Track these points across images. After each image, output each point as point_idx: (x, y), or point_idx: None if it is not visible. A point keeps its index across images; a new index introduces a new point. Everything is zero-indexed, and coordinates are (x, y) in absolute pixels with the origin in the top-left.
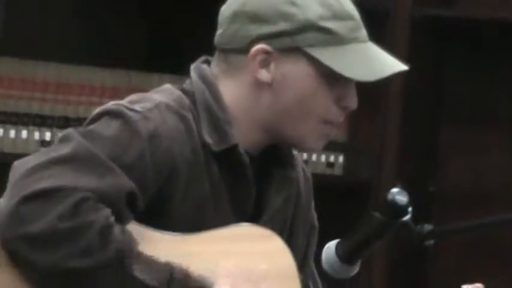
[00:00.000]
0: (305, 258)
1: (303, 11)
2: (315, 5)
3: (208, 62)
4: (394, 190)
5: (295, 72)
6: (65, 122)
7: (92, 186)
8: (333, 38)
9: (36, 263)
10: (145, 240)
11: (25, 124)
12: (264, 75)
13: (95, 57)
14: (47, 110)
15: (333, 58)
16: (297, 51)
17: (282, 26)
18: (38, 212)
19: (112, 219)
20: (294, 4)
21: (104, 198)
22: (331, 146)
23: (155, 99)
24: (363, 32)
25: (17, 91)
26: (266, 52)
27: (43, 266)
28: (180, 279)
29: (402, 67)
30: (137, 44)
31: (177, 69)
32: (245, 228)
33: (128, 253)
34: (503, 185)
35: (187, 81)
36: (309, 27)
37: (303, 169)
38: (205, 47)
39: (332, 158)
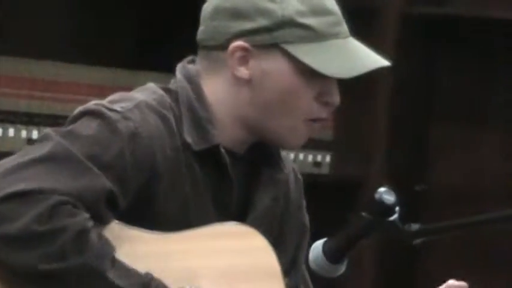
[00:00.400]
0: (295, 260)
1: (282, 7)
2: (293, 1)
3: (194, 62)
4: (382, 189)
5: (274, 69)
6: (52, 120)
7: (70, 187)
8: (311, 34)
9: (11, 264)
10: (125, 239)
11: (12, 122)
12: (242, 72)
13: (82, 55)
14: (34, 108)
15: (311, 54)
16: (275, 47)
17: (261, 22)
18: (13, 213)
19: (90, 223)
20: (272, 0)
21: (81, 199)
22: (318, 145)
23: (136, 98)
24: (344, 28)
25: (3, 89)
26: (245, 49)
27: (15, 266)
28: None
29: (383, 63)
30: (124, 42)
31: (164, 67)
32: (227, 227)
33: (103, 257)
34: (493, 184)
35: (172, 81)
36: (288, 23)
37: (294, 170)
38: (192, 45)
39: (319, 157)
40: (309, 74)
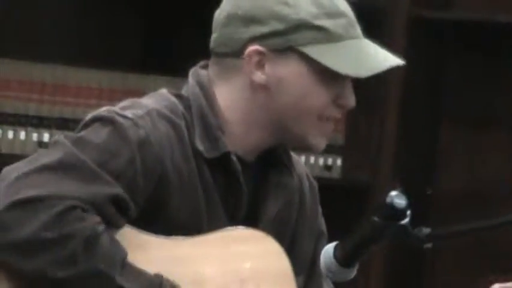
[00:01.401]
0: (313, 265)
1: (296, 11)
2: (307, 5)
3: (207, 67)
4: (393, 193)
5: (290, 72)
6: (63, 123)
7: (79, 193)
8: (326, 36)
9: (19, 269)
10: (137, 243)
11: (23, 125)
12: (259, 76)
13: (91, 59)
14: (44, 111)
15: (326, 55)
16: (291, 50)
17: (275, 26)
18: (23, 219)
19: (101, 227)
20: (286, 4)
21: (91, 205)
22: (328, 149)
23: (147, 105)
24: (357, 29)
25: (15, 92)
26: (260, 53)
27: (26, 272)
28: None
29: (397, 61)
30: (133, 46)
31: (172, 71)
32: (238, 231)
33: (113, 263)
34: (503, 187)
35: (185, 86)
36: (302, 26)
37: (308, 176)
38: (201, 49)
39: (330, 161)
40: (324, 75)
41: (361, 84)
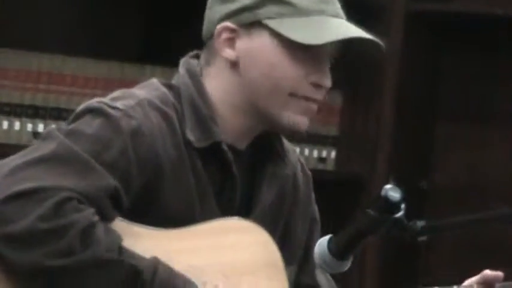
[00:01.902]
0: (307, 252)
1: None
2: None
3: (198, 57)
4: (387, 186)
5: (259, 46)
6: (58, 113)
7: (74, 185)
8: (292, 10)
9: (17, 262)
10: (130, 236)
11: (18, 115)
12: (229, 53)
13: (88, 48)
14: (40, 101)
15: (290, 28)
16: (259, 25)
17: (244, 2)
18: (19, 212)
19: (95, 218)
20: None
21: (86, 197)
22: (323, 141)
23: (138, 95)
24: (332, 7)
25: (9, 82)
26: (231, 29)
27: (23, 265)
28: (164, 271)
29: (361, 33)
30: (131, 36)
31: (170, 61)
32: (230, 222)
33: (110, 251)
34: (497, 181)
35: (176, 76)
36: (268, 0)
37: (302, 165)
38: (198, 40)
39: (324, 153)
40: (293, 49)
41: (357, 77)
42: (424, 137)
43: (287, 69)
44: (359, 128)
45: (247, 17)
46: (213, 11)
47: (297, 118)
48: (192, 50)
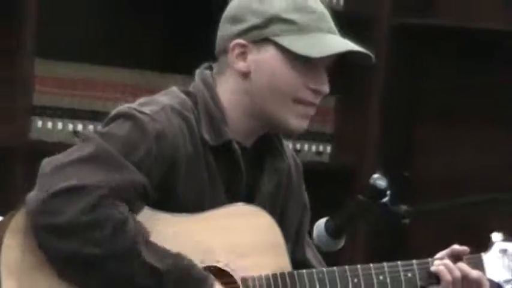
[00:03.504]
0: (299, 232)
1: (269, 6)
2: (278, 1)
3: (210, 68)
4: (375, 176)
5: (267, 59)
6: (93, 115)
7: (110, 182)
8: (295, 28)
9: (57, 249)
10: (155, 221)
11: (60, 117)
12: (241, 65)
13: (117, 59)
14: (77, 104)
15: (293, 43)
16: (267, 41)
17: (253, 21)
18: (64, 206)
19: (127, 213)
20: (261, 2)
21: (120, 191)
22: (319, 137)
23: (162, 102)
24: (327, 25)
25: (52, 89)
26: (242, 45)
27: (63, 252)
28: (185, 266)
29: (355, 47)
30: (154, 48)
31: (189, 70)
32: (238, 207)
33: (139, 242)
34: (467, 173)
35: (192, 84)
36: (274, 19)
37: (294, 157)
38: (213, 52)
39: (321, 148)
40: (296, 61)
41: (348, 83)
42: (406, 133)
43: (290, 78)
44: (350, 127)
45: (256, 34)
46: (225, 30)
47: (298, 121)
48: (207, 61)
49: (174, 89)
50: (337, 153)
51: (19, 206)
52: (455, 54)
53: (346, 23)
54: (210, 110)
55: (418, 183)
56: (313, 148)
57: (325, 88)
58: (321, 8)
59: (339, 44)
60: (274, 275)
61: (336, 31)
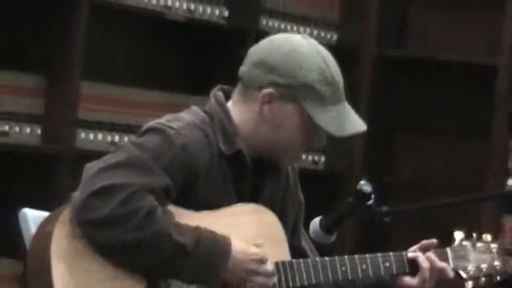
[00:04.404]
0: (295, 227)
1: (306, 74)
2: (315, 72)
3: (222, 90)
4: (362, 182)
5: (287, 114)
6: (127, 128)
7: (140, 182)
8: (320, 97)
9: (101, 240)
10: (178, 216)
11: (100, 129)
12: (265, 110)
13: (146, 81)
14: (115, 119)
15: (318, 114)
16: (294, 101)
17: (289, 81)
18: (102, 202)
19: (156, 203)
20: (301, 68)
21: (148, 190)
22: (315, 148)
23: (186, 119)
24: (343, 95)
25: (93, 106)
26: (272, 95)
27: (104, 242)
28: (207, 236)
29: (363, 127)
30: (178, 73)
31: (205, 92)
32: (246, 206)
33: (168, 224)
34: (439, 178)
35: (208, 104)
36: (306, 86)
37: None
38: (226, 77)
39: (316, 158)
40: (309, 125)
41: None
42: (387, 146)
43: (298, 138)
44: (340, 140)
45: (288, 93)
46: (262, 75)
47: (289, 163)
48: (223, 83)
49: (195, 107)
50: (329, 162)
51: (65, 202)
52: (427, 79)
53: (336, 54)
54: (224, 125)
55: (397, 188)
56: (310, 158)
57: (320, 145)
58: (341, 79)
59: (353, 124)
60: (276, 263)
61: (344, 98)
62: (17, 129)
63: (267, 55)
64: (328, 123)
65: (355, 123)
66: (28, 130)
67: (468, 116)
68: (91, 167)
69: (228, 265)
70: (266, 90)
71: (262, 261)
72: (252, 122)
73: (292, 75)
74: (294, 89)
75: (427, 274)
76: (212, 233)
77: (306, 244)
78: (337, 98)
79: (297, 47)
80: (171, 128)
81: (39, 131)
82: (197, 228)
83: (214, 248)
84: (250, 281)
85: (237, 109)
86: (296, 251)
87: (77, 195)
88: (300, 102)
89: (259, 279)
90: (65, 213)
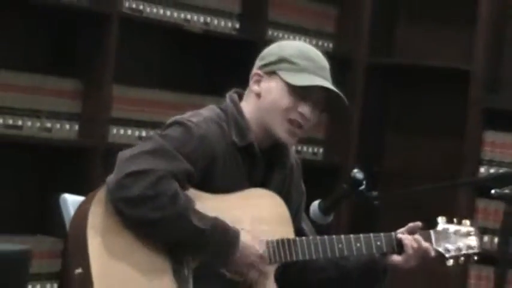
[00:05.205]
0: (297, 213)
1: (283, 50)
2: (292, 49)
3: (237, 92)
4: (355, 170)
5: (273, 87)
6: (154, 125)
7: (167, 168)
8: (296, 68)
9: (132, 215)
10: (198, 198)
11: (129, 126)
12: (256, 88)
13: (171, 85)
14: (140, 117)
15: (290, 77)
16: (275, 74)
17: (270, 59)
18: (134, 183)
19: (179, 188)
20: (280, 47)
21: (174, 175)
22: (314, 142)
23: (204, 114)
24: (322, 73)
25: (123, 105)
26: (259, 75)
27: (134, 217)
28: (221, 225)
29: (330, 86)
30: (198, 77)
31: (219, 93)
32: (256, 191)
33: (188, 209)
34: (423, 170)
35: (224, 103)
36: (284, 60)
37: (295, 158)
38: (237, 80)
39: (315, 150)
40: (291, 90)
41: (337, 108)
42: (378, 140)
43: (285, 102)
44: (337, 135)
45: (269, 68)
46: (255, 65)
47: (287, 136)
48: (235, 86)
49: (212, 106)
50: (327, 154)
51: (100, 186)
52: (416, 85)
53: (331, 63)
54: (237, 121)
55: (386, 176)
56: (310, 150)
57: (309, 114)
58: (322, 61)
59: (320, 83)
60: (282, 240)
61: (330, 80)
62: (58, 126)
63: (261, 53)
64: (297, 80)
65: (328, 84)
66: (67, 127)
67: (446, 114)
68: (123, 154)
69: (236, 254)
70: (253, 72)
71: (261, 256)
72: (253, 108)
73: (272, 53)
74: (273, 64)
75: (411, 253)
76: (225, 224)
77: (305, 226)
78: (314, 71)
79: (286, 42)
80: (191, 121)
81: (76, 128)
82: (214, 218)
83: (227, 236)
84: (247, 273)
85: (246, 105)
86: (297, 231)
87: (111, 177)
88: (277, 73)
89: (255, 274)
90: (100, 193)
